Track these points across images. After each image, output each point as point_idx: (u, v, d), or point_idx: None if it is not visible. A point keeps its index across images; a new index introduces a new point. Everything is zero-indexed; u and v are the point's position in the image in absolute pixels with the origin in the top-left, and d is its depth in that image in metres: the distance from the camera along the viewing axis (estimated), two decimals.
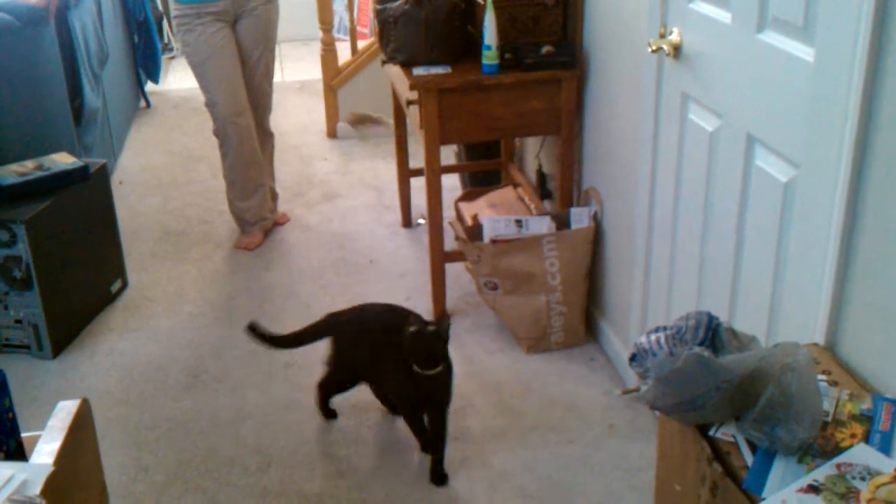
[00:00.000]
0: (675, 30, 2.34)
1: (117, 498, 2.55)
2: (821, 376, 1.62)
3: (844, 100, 1.64)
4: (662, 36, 2.39)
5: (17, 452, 1.54)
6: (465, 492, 2.56)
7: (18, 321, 3.22)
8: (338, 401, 2.93)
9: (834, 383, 1.61)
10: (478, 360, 3.17)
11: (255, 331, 2.75)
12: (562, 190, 3.30)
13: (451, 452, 2.70)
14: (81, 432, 1.62)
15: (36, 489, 1.33)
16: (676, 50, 2.33)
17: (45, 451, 1.48)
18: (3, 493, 1.29)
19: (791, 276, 1.90)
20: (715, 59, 2.17)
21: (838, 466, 1.40)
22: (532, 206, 3.53)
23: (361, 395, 2.99)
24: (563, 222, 3.16)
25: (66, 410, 1.61)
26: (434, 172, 3.21)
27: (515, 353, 3.19)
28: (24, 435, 1.59)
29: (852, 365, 1.69)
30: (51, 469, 1.38)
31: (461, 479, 2.60)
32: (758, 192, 2.02)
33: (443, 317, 2.57)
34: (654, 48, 2.37)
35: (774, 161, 1.94)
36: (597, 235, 3.14)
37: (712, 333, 1.59)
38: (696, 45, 2.25)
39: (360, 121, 4.22)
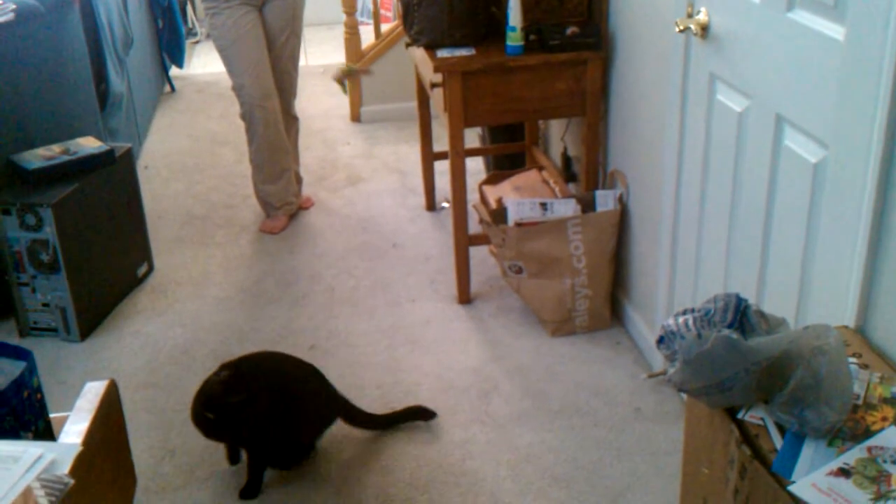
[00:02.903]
0: (702, 9, 2.31)
1: (145, 479, 2.57)
2: (851, 359, 1.60)
3: (875, 79, 1.62)
4: (690, 15, 2.36)
5: (46, 433, 1.55)
6: (491, 474, 2.56)
7: (46, 304, 3.25)
8: (363, 381, 2.95)
9: (864, 366, 1.60)
10: (502, 344, 3.16)
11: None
12: (587, 172, 3.28)
13: (477, 435, 2.70)
14: (109, 413, 1.63)
15: (65, 469, 1.34)
16: (704, 30, 2.31)
17: (74, 431, 1.49)
18: (32, 473, 1.30)
19: (821, 258, 1.88)
20: (743, 39, 2.15)
21: (869, 450, 1.39)
22: (557, 189, 3.51)
23: (382, 381, 3.00)
24: (588, 205, 3.14)
25: (93, 391, 1.62)
26: (458, 155, 3.19)
27: (540, 337, 3.19)
28: (52, 416, 1.60)
29: (883, 348, 1.67)
30: (79, 449, 1.39)
31: (487, 461, 2.60)
32: (787, 173, 2.00)
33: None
34: (681, 28, 2.34)
35: (804, 141, 1.92)
36: (622, 218, 3.12)
37: (741, 315, 1.57)
38: (725, 24, 2.23)
39: (345, 76, 4.24)
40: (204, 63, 6.72)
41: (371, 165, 4.78)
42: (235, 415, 2.40)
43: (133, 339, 3.30)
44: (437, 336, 3.23)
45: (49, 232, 3.12)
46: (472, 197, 3.56)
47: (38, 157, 3.30)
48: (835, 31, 1.76)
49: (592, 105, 3.14)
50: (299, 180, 4.31)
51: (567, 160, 3.67)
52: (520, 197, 3.45)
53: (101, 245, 3.41)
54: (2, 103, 3.31)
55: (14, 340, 3.25)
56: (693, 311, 1.61)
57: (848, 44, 1.72)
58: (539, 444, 2.67)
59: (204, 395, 2.44)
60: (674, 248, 2.71)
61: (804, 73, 1.88)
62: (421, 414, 2.78)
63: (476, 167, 4.36)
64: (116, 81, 4.40)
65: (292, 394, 2.56)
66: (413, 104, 4.14)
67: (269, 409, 2.46)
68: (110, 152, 3.42)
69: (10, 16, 3.26)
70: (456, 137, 3.15)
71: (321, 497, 2.51)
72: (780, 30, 1.96)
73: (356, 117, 5.41)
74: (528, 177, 3.70)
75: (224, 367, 2.45)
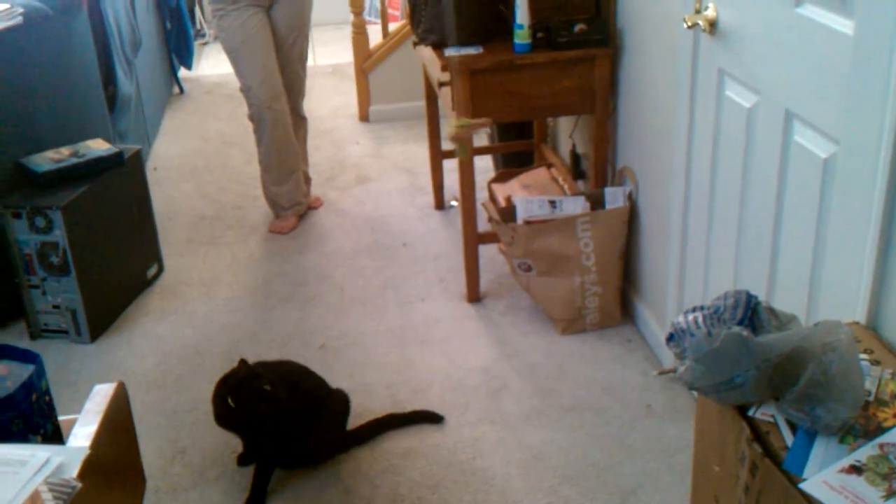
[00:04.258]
0: (710, 5, 2.30)
1: (155, 480, 2.57)
2: (862, 355, 1.59)
3: (885, 72, 1.61)
4: (698, 11, 2.35)
5: (55, 436, 1.55)
6: (502, 472, 2.55)
7: (56, 306, 3.25)
8: (373, 380, 2.95)
9: (876, 362, 1.58)
10: (512, 342, 3.15)
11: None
12: (596, 170, 3.27)
13: (487, 433, 2.70)
14: (118, 415, 1.63)
15: (73, 472, 1.33)
16: (712, 25, 2.30)
17: (82, 434, 1.48)
18: (40, 476, 1.30)
19: (831, 254, 1.87)
20: (752, 34, 2.13)
21: (881, 447, 1.38)
22: (566, 187, 3.50)
23: (392, 380, 3.00)
24: (597, 202, 3.13)
25: (102, 394, 1.61)
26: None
27: (550, 335, 3.18)
28: (60, 418, 1.60)
29: (895, 344, 1.66)
30: (87, 452, 1.38)
31: (497, 460, 2.60)
32: (797, 169, 1.99)
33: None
34: (689, 24, 2.33)
35: (813, 137, 1.90)
36: (632, 215, 3.11)
37: (751, 312, 1.56)
38: (733, 20, 2.21)
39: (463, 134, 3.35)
40: (212, 64, 6.73)
41: (380, 165, 4.78)
42: (259, 404, 2.41)
43: (143, 340, 3.31)
44: (446, 335, 3.23)
45: (59, 234, 3.13)
46: (481, 195, 3.56)
47: (48, 159, 3.30)
48: (844, 25, 1.75)
49: (601, 102, 3.13)
50: (308, 180, 4.31)
51: (576, 157, 3.66)
52: (529, 195, 3.44)
53: (111, 247, 3.41)
54: (10, 106, 3.32)
55: (25, 343, 3.26)
56: (703, 308, 1.60)
57: (857, 38, 1.70)
58: (549, 442, 2.66)
59: (232, 380, 2.45)
60: (684, 244, 2.69)
61: (813, 67, 1.87)
62: (428, 417, 2.78)
63: (485, 165, 4.35)
64: (125, 83, 4.40)
65: (313, 398, 2.59)
66: (421, 103, 4.13)
67: (292, 405, 2.48)
68: (119, 154, 3.43)
69: (19, 19, 3.27)
70: None
71: (330, 496, 2.51)
72: (788, 24, 1.95)
73: (364, 117, 5.41)
74: (537, 174, 3.69)
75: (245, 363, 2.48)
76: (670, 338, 1.60)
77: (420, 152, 4.74)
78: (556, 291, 3.13)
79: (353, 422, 2.72)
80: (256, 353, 3.11)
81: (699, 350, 1.50)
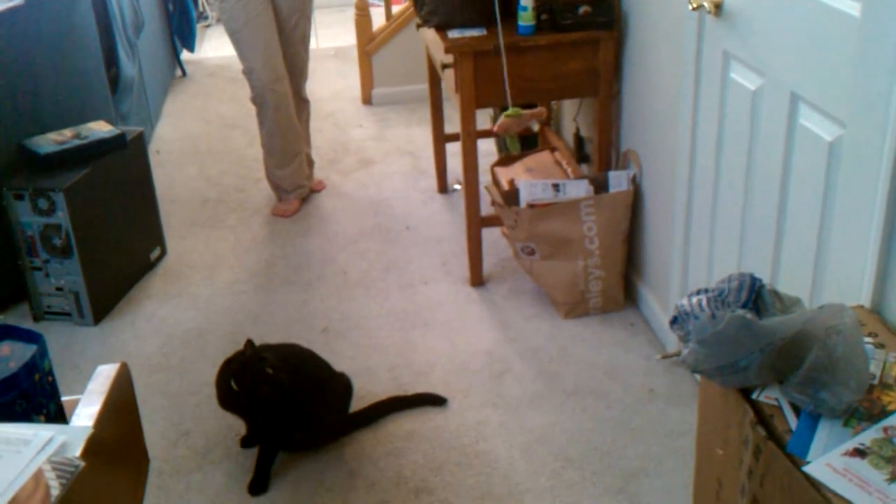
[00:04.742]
0: None
1: (159, 461, 2.58)
2: (867, 339, 1.59)
3: (892, 55, 1.60)
4: None
5: (58, 416, 1.55)
6: (504, 455, 2.55)
7: (59, 289, 3.25)
8: (375, 363, 2.95)
9: (880, 346, 1.58)
10: (515, 326, 3.15)
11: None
12: (600, 153, 3.26)
13: (490, 416, 2.70)
14: (121, 396, 1.62)
15: (76, 451, 1.33)
16: (718, 7, 2.28)
17: (85, 414, 1.48)
18: (43, 455, 1.30)
19: (836, 238, 1.86)
20: (758, 16, 2.12)
21: (885, 430, 1.38)
22: (569, 170, 3.49)
23: (394, 363, 3.00)
24: (601, 186, 3.12)
25: (105, 374, 1.61)
26: (470, 137, 3.18)
27: (553, 319, 3.17)
28: (63, 399, 1.59)
29: None
30: (90, 431, 1.38)
31: (500, 443, 2.60)
32: (802, 152, 1.98)
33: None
34: (694, 6, 2.32)
35: (819, 120, 1.89)
36: (636, 199, 3.10)
37: (755, 295, 1.55)
38: (738, 1, 2.20)
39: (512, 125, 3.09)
40: (215, 47, 6.70)
41: (383, 148, 4.77)
42: (261, 388, 2.41)
43: (146, 322, 3.31)
44: (449, 318, 3.23)
45: (62, 216, 3.13)
46: (484, 178, 3.54)
47: (50, 141, 3.30)
48: (851, 6, 1.74)
49: (605, 85, 3.11)
50: (311, 163, 4.30)
51: (580, 141, 3.64)
52: (532, 178, 3.43)
53: (114, 229, 3.41)
54: (13, 88, 3.31)
55: (28, 324, 3.26)
56: (707, 291, 1.60)
57: (864, 20, 1.69)
58: (552, 425, 2.66)
59: (235, 363, 2.46)
60: (687, 228, 2.69)
61: (819, 50, 1.86)
62: (431, 400, 2.78)
63: (488, 148, 4.34)
64: (127, 65, 4.39)
65: (315, 381, 2.60)
66: (424, 86, 4.12)
67: (294, 388, 2.48)
68: (122, 136, 3.42)
69: (21, 0, 3.26)
70: (467, 119, 3.13)
71: (334, 478, 2.52)
72: (794, 6, 1.94)
73: (367, 100, 5.39)
74: (541, 158, 3.68)
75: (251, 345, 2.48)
76: (674, 320, 1.60)
77: (423, 135, 4.72)
78: (559, 275, 3.13)
79: (356, 404, 2.72)
80: (259, 336, 3.11)
81: (703, 333, 1.50)
